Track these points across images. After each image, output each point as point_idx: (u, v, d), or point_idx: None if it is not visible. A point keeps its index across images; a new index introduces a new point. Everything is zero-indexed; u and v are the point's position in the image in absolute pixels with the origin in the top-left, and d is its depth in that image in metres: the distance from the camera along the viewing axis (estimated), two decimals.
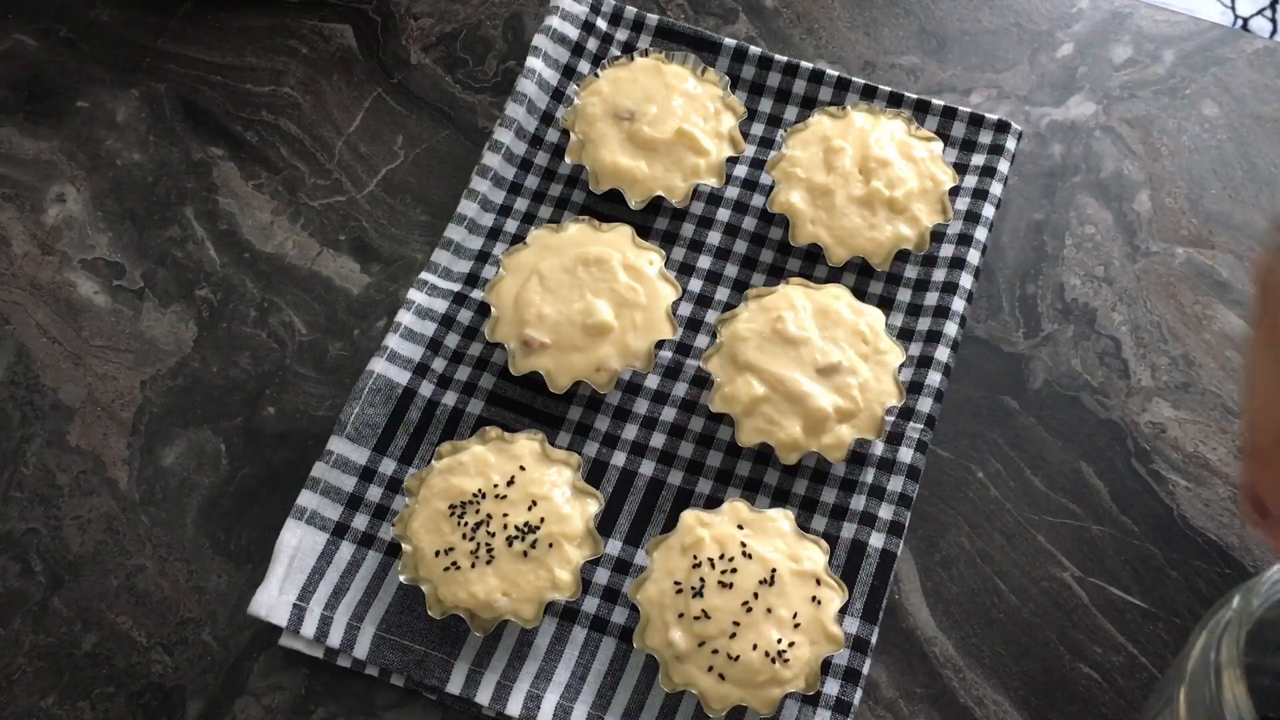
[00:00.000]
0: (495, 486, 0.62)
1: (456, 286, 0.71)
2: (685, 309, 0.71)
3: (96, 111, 0.78)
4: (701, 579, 0.59)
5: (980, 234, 0.72)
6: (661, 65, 0.75)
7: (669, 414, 0.68)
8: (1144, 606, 0.63)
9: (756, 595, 0.59)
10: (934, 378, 0.67)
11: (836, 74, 0.77)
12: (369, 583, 0.63)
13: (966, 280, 0.70)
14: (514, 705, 0.60)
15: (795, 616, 0.59)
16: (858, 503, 0.65)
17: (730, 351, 0.66)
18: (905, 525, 0.64)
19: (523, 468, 0.62)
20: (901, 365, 0.66)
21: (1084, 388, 0.69)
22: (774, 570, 0.59)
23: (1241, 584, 0.47)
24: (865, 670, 0.61)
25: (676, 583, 0.60)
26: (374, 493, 0.66)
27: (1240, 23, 1.83)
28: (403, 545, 0.62)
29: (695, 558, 0.60)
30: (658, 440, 0.67)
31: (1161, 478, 0.66)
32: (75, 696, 0.62)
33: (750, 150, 0.76)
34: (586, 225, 0.70)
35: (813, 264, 0.72)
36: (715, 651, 0.58)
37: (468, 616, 0.60)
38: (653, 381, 0.69)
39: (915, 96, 0.76)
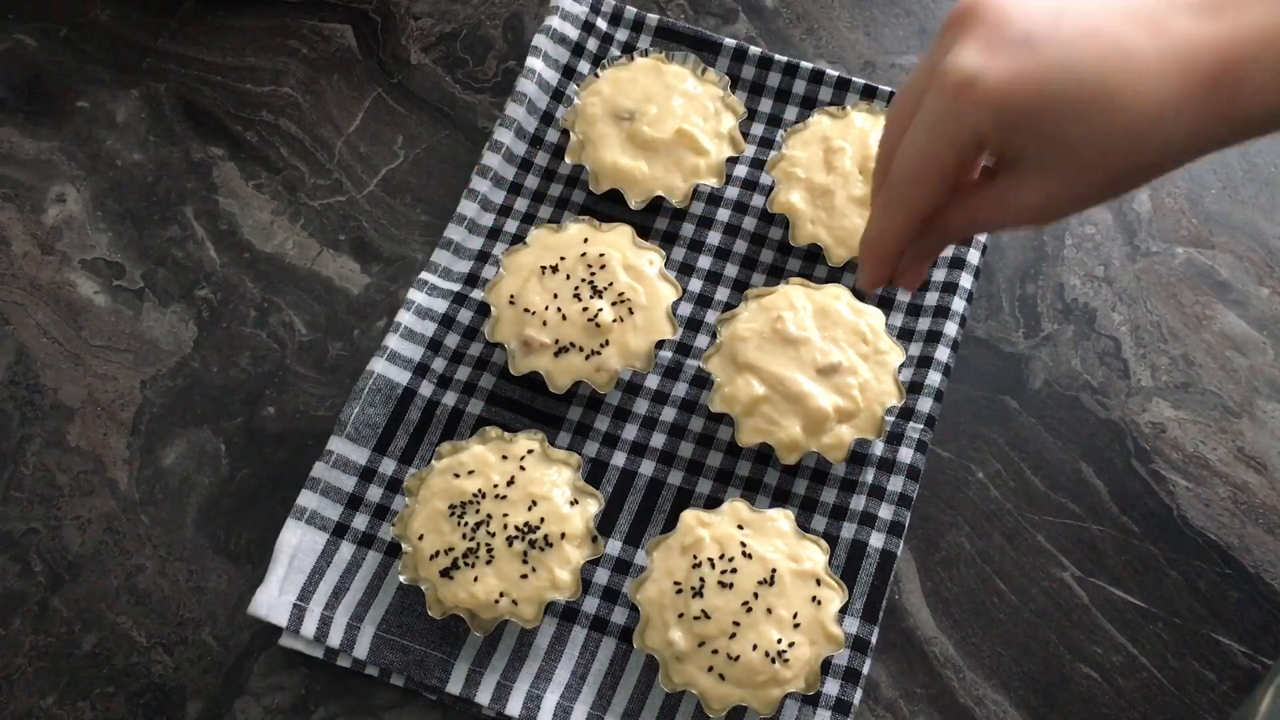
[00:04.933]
0: (495, 486, 0.62)
1: (456, 286, 0.71)
2: (685, 309, 0.71)
3: (96, 111, 0.78)
4: (701, 579, 0.59)
5: (980, 234, 0.72)
6: (661, 65, 0.75)
7: (669, 414, 0.68)
8: (1144, 606, 0.63)
9: (756, 595, 0.59)
10: (934, 378, 0.67)
11: (836, 74, 0.77)
12: (369, 583, 0.63)
13: (966, 280, 0.70)
14: (514, 705, 0.60)
15: (795, 616, 0.59)
16: (858, 503, 0.65)
17: (730, 351, 0.66)
18: (905, 525, 0.64)
19: (523, 468, 0.62)
20: (901, 365, 0.66)
21: (1084, 388, 0.69)
22: (774, 570, 0.59)
23: None
24: (865, 670, 0.61)
25: (676, 583, 0.60)
26: (374, 493, 0.66)
27: None
28: (402, 545, 0.62)
29: (695, 558, 0.60)
30: (658, 440, 0.67)
31: (1161, 478, 0.66)
32: (75, 696, 0.62)
33: (750, 150, 0.76)
34: (586, 225, 0.70)
35: (813, 264, 0.72)
36: (715, 651, 0.58)
37: (468, 617, 0.60)
38: (653, 381, 0.69)
39: None
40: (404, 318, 0.70)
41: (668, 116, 0.72)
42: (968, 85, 0.41)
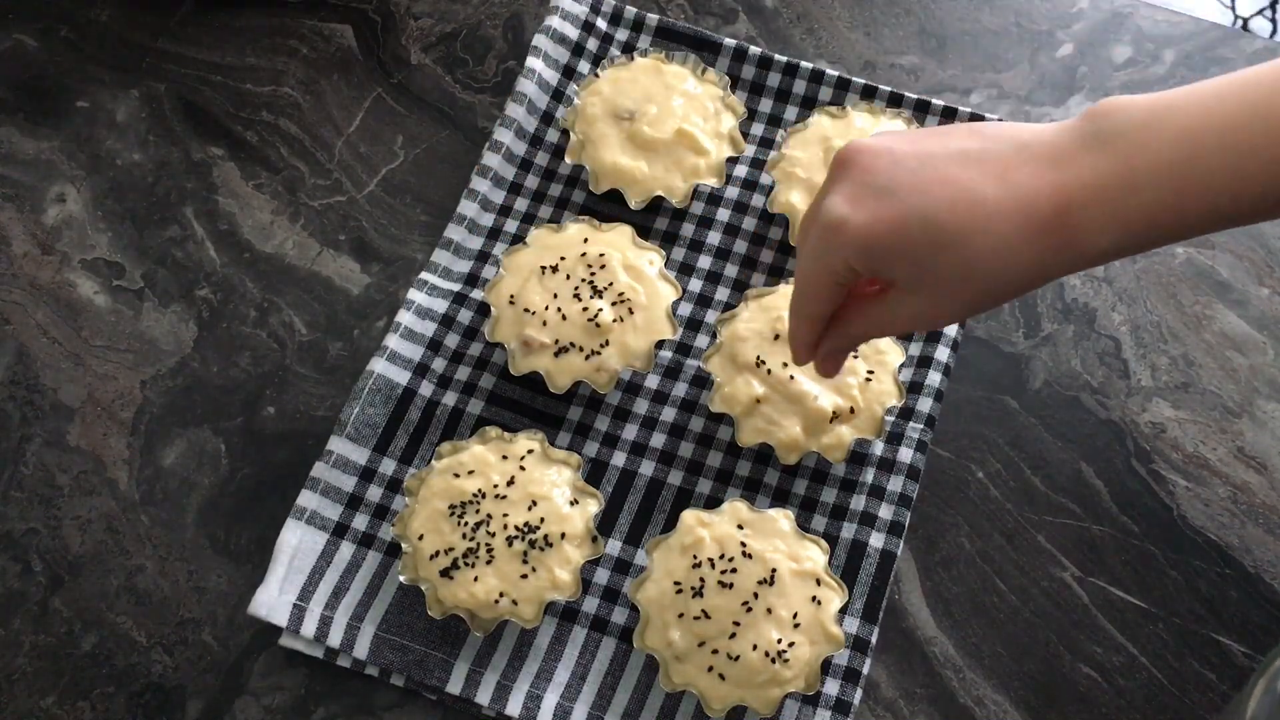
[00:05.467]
0: (495, 486, 0.62)
1: (456, 286, 0.71)
2: (685, 309, 0.71)
3: (96, 111, 0.78)
4: (701, 579, 0.59)
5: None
6: (661, 65, 0.75)
7: (669, 414, 0.68)
8: (1144, 606, 0.63)
9: (756, 595, 0.59)
10: (934, 378, 0.67)
11: (836, 74, 0.77)
12: (369, 583, 0.63)
13: None
14: (514, 705, 0.60)
15: (795, 616, 0.59)
16: (858, 503, 0.65)
17: (730, 351, 0.66)
18: (905, 525, 0.64)
19: (523, 468, 0.62)
20: (901, 365, 0.66)
21: (1084, 388, 0.69)
22: (774, 570, 0.59)
23: None
24: (865, 670, 0.61)
25: (676, 583, 0.60)
26: (374, 493, 0.66)
27: (1240, 23, 1.84)
28: (402, 545, 0.62)
29: (695, 558, 0.60)
30: (658, 440, 0.67)
31: (1161, 478, 0.66)
32: (75, 696, 0.62)
33: (750, 150, 0.76)
34: (586, 225, 0.70)
35: None
36: (715, 651, 0.58)
37: (468, 617, 0.60)
38: (653, 381, 0.69)
39: (915, 96, 0.76)
40: (404, 318, 0.70)
41: (668, 116, 0.72)
42: (837, 228, 0.49)
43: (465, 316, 0.70)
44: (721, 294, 0.71)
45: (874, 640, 0.61)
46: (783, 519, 0.62)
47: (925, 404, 0.67)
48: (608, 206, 0.74)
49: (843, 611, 0.61)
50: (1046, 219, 0.47)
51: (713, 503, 0.65)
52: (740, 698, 0.58)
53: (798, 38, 0.81)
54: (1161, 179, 0.46)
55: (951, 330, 0.69)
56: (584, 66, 0.79)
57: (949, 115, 0.75)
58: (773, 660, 0.57)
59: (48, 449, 0.68)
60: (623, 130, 0.72)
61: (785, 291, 0.67)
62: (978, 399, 0.69)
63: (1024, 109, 0.78)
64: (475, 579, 0.60)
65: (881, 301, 0.52)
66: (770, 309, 0.66)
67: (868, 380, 0.64)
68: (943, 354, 0.68)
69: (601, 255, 0.68)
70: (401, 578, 0.61)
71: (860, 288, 0.53)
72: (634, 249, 0.69)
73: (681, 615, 0.59)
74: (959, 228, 0.47)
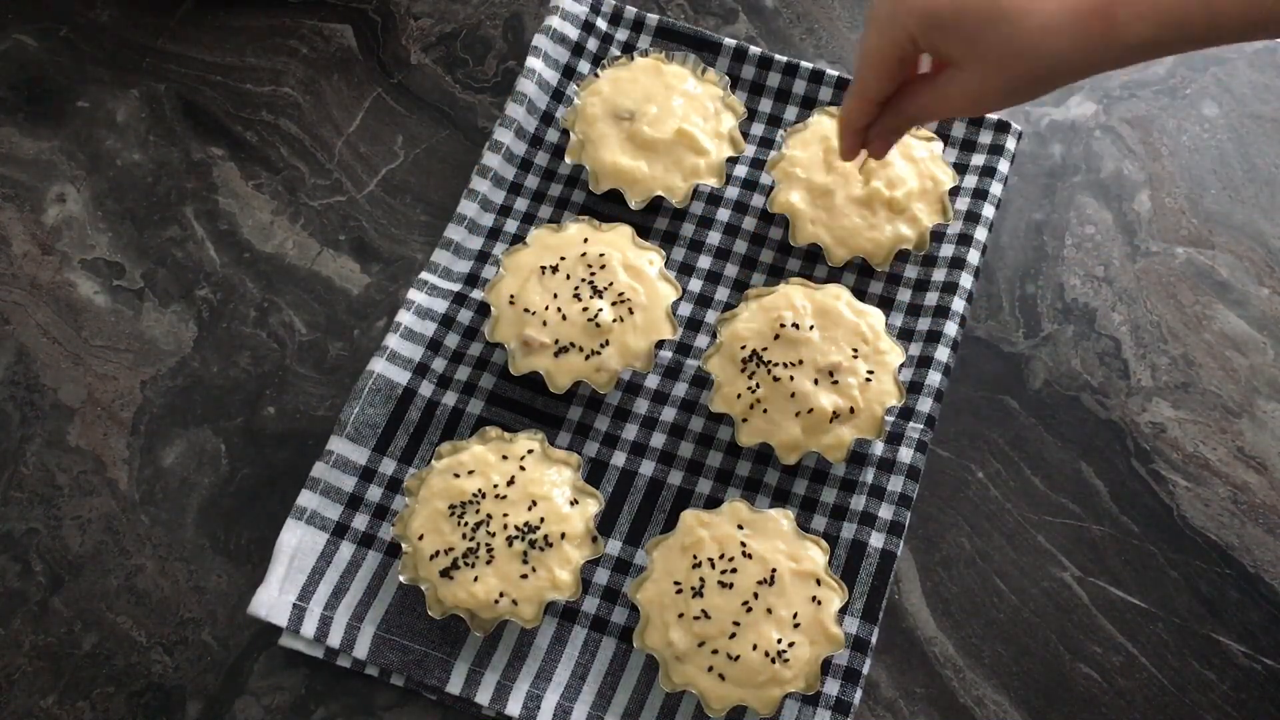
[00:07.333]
0: (495, 486, 0.62)
1: (456, 286, 0.71)
2: (685, 309, 0.71)
3: (96, 111, 0.78)
4: (701, 579, 0.59)
5: (980, 234, 0.72)
6: (661, 65, 0.75)
7: (669, 414, 0.68)
8: (1144, 606, 0.63)
9: (756, 595, 0.59)
10: (934, 378, 0.67)
11: (836, 74, 0.77)
12: (369, 583, 0.63)
13: (966, 280, 0.70)
14: (514, 705, 0.60)
15: (795, 616, 0.59)
16: (858, 503, 0.65)
17: (730, 351, 0.66)
18: (905, 525, 0.64)
19: (523, 468, 0.62)
20: (901, 365, 0.66)
21: (1084, 388, 0.69)
22: (774, 570, 0.59)
23: None
24: (865, 670, 0.61)
25: (676, 583, 0.60)
26: (374, 493, 0.66)
27: None
28: (402, 545, 0.62)
29: (695, 558, 0.60)
30: (658, 440, 0.67)
31: (1161, 478, 0.66)
32: (75, 696, 0.62)
33: (750, 150, 0.76)
34: (586, 225, 0.70)
35: (813, 264, 0.72)
36: (715, 651, 0.58)
37: (468, 616, 0.60)
38: (653, 381, 0.69)
39: None
40: (404, 318, 0.70)
41: (668, 116, 0.72)
42: None
43: (465, 316, 0.70)
44: (721, 294, 0.71)
45: (874, 640, 0.61)
46: (783, 519, 0.62)
47: (925, 404, 0.67)
48: (608, 206, 0.74)
49: (843, 611, 0.61)
50: (1093, 5, 0.51)
51: (713, 503, 0.65)
52: (740, 698, 0.58)
53: (798, 38, 0.81)
54: None
55: (951, 330, 0.69)
56: (584, 66, 0.79)
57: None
58: (773, 660, 0.57)
59: (48, 449, 0.68)
60: (623, 130, 0.72)
61: (785, 291, 0.67)
62: (978, 399, 0.69)
63: (1024, 109, 0.78)
64: (475, 579, 0.60)
65: (932, 81, 0.56)
66: (770, 309, 0.66)
67: (868, 380, 0.64)
68: (943, 354, 0.68)
69: (601, 255, 0.68)
70: (401, 578, 0.61)
71: (912, 74, 0.58)
72: (634, 249, 0.69)
73: (681, 615, 0.59)
74: (1012, 4, 0.52)
